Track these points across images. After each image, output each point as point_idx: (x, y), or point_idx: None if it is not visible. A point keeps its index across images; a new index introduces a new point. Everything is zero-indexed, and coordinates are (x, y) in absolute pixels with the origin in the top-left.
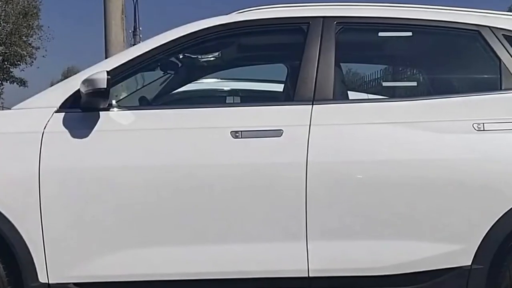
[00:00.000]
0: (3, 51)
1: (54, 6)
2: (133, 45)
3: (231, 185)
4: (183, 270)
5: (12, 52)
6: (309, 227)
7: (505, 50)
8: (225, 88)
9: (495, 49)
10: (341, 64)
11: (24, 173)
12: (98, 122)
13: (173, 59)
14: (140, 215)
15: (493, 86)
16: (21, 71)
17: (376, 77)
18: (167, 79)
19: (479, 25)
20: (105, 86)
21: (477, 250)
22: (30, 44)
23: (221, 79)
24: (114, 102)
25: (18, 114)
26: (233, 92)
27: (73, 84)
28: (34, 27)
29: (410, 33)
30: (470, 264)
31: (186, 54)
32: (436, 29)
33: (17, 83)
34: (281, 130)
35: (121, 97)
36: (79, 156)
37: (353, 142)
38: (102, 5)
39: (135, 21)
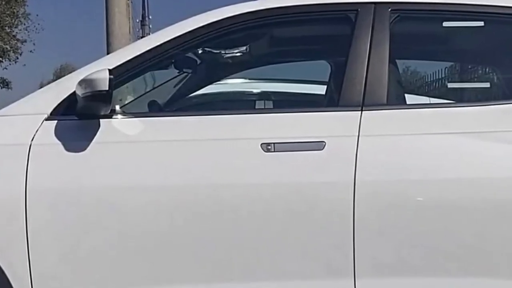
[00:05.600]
0: None
1: None
2: (141, 37)
3: (261, 209)
4: None
5: None
6: (358, 261)
7: None
8: (255, 91)
9: None
10: (396, 61)
11: (6, 194)
12: (98, 132)
13: (190, 54)
14: (150, 245)
15: None
16: (3, 69)
17: (440, 77)
18: (183, 79)
19: None
20: (107, 88)
21: None
22: (14, 36)
23: (249, 79)
24: (117, 107)
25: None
26: (264, 96)
27: (68, 85)
28: (20, 15)
29: (481, 23)
30: None
31: (206, 49)
32: None
33: None
34: (323, 142)
35: (127, 102)
36: (75, 174)
37: (411, 156)
38: None
39: (143, 9)
